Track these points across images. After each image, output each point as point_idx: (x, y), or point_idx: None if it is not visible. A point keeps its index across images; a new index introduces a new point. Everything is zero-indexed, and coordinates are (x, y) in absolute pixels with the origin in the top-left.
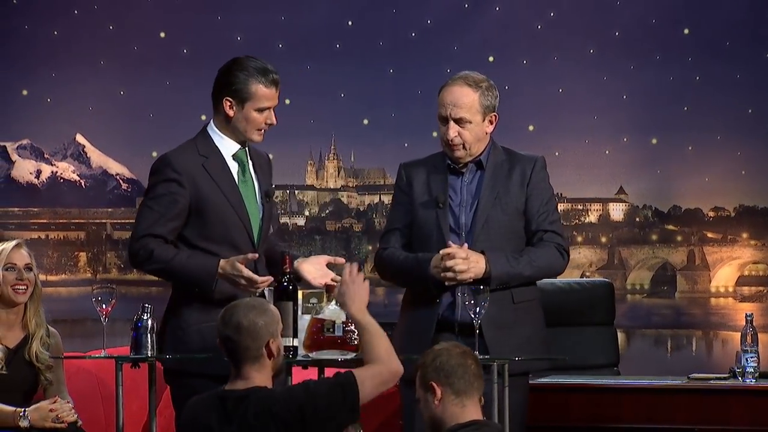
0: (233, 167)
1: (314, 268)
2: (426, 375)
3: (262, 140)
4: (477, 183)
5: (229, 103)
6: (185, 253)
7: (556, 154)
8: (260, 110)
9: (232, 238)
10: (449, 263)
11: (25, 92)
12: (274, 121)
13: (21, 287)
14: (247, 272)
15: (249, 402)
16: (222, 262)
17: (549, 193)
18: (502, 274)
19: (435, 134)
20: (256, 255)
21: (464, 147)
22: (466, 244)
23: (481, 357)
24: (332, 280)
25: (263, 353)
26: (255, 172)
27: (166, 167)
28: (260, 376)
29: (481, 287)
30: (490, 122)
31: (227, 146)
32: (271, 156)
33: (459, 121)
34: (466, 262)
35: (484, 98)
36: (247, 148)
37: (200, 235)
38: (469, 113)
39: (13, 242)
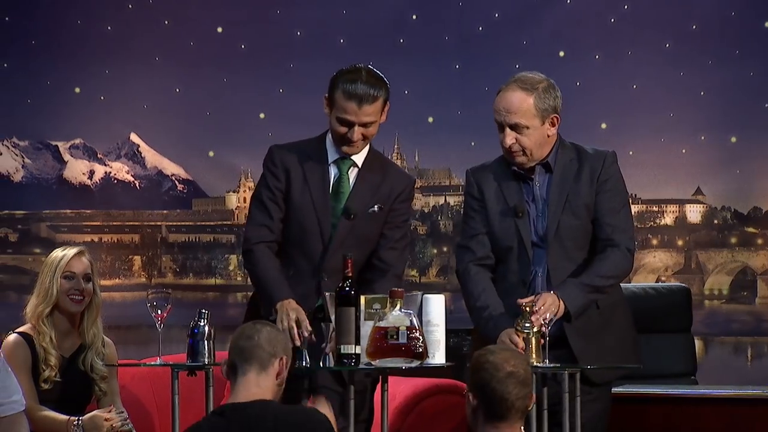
0: (334, 175)
1: None
2: (471, 378)
3: (351, 152)
4: (546, 186)
5: (325, 102)
6: (267, 264)
7: (630, 153)
8: (339, 120)
9: (307, 243)
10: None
11: (77, 90)
12: (354, 139)
13: (77, 296)
14: (293, 322)
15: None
16: (284, 302)
17: (619, 187)
18: (579, 307)
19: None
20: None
21: (524, 153)
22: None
23: (552, 366)
24: None
25: (274, 365)
26: (356, 186)
27: (267, 158)
28: (263, 390)
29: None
30: (552, 124)
31: (333, 152)
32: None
33: (515, 128)
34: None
35: (541, 101)
36: (357, 160)
37: (281, 230)
38: (525, 118)
39: (75, 249)
